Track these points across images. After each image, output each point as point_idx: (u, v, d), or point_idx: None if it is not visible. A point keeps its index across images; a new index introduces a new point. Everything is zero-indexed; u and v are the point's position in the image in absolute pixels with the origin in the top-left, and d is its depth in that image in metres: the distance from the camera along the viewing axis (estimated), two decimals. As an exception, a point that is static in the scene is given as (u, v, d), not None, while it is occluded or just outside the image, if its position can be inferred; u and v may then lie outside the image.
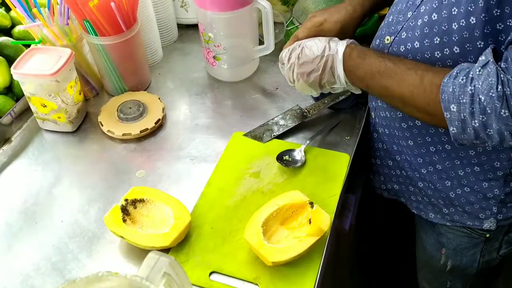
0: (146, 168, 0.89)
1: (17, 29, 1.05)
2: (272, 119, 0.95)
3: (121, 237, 0.73)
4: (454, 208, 0.85)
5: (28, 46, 0.96)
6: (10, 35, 1.05)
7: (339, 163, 0.85)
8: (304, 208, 0.76)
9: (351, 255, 0.98)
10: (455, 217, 0.86)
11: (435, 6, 0.69)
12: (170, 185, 0.85)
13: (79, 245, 0.77)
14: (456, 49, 0.68)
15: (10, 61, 0.95)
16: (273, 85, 1.04)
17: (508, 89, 0.59)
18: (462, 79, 0.63)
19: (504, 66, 0.61)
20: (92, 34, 0.92)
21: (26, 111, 0.99)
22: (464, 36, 0.66)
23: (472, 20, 0.64)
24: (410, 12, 0.75)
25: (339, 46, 0.77)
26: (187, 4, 1.17)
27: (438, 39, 0.69)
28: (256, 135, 0.92)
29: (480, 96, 0.61)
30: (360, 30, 1.04)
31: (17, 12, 0.91)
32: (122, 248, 0.76)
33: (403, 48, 0.75)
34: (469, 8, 0.63)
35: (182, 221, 0.74)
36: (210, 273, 0.72)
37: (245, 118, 0.97)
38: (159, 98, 0.99)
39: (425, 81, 0.68)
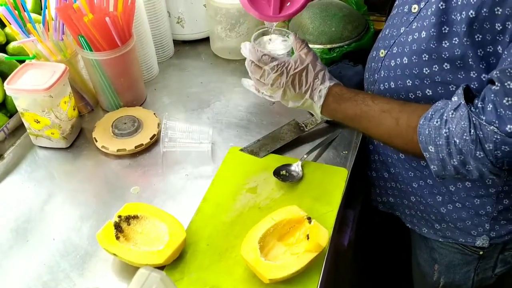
0: (141, 184, 0.87)
1: (11, 45, 1.04)
2: (269, 133, 0.94)
3: (114, 254, 0.71)
4: (446, 223, 0.84)
5: (22, 62, 0.95)
6: (5, 52, 1.05)
7: (337, 178, 0.84)
8: (301, 224, 0.74)
9: (351, 272, 0.96)
10: (447, 233, 0.85)
11: (425, 24, 0.69)
12: (165, 201, 0.83)
13: (71, 263, 0.75)
14: (446, 66, 0.68)
15: (4, 77, 0.94)
16: (270, 100, 1.03)
17: (480, 132, 0.60)
18: (437, 122, 0.65)
19: (480, 106, 0.61)
20: (87, 50, 0.91)
21: (20, 128, 0.98)
22: (456, 53, 0.66)
23: (466, 41, 0.64)
24: (403, 28, 0.75)
25: (322, 91, 0.78)
26: (183, 20, 1.17)
27: (427, 56, 0.70)
28: (253, 150, 0.91)
29: (455, 139, 0.63)
30: (356, 45, 1.05)
31: (12, 28, 0.91)
32: (115, 266, 0.74)
33: (393, 63, 0.76)
34: (463, 28, 0.63)
35: (177, 238, 0.72)
36: (206, 291, 0.70)
37: (241, 133, 0.96)
38: (154, 114, 0.98)
39: (400, 124, 0.70)
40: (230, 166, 0.88)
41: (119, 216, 0.75)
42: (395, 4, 0.80)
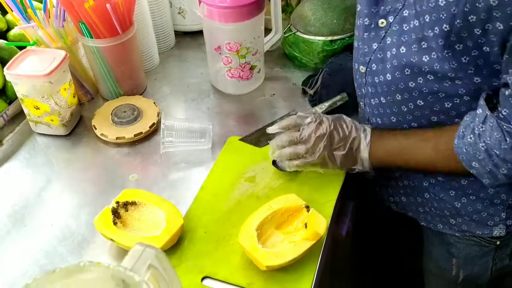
0: (139, 172, 0.87)
1: (12, 32, 1.04)
2: (269, 123, 0.93)
3: (111, 240, 0.71)
4: (461, 218, 0.82)
5: (22, 48, 0.95)
6: (6, 39, 1.05)
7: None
8: (300, 212, 0.74)
9: (349, 263, 0.96)
10: (463, 227, 0.83)
11: (404, 40, 0.69)
12: (163, 189, 0.83)
13: (68, 248, 0.75)
14: (430, 77, 0.68)
15: (4, 63, 0.94)
16: (270, 91, 1.03)
17: None
18: (470, 138, 0.66)
19: (505, 112, 0.62)
20: (88, 36, 0.91)
21: (19, 115, 0.98)
22: (435, 67, 0.66)
23: (447, 53, 0.64)
24: (375, 44, 0.74)
25: (366, 127, 0.77)
26: (184, 11, 1.17)
27: (409, 71, 0.70)
28: (252, 140, 0.90)
29: (495, 151, 0.64)
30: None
31: (13, 14, 0.91)
32: (113, 252, 0.74)
33: (377, 79, 0.75)
34: (440, 42, 0.63)
35: (174, 224, 0.72)
36: (203, 278, 0.69)
37: (241, 123, 0.96)
38: (154, 103, 0.98)
39: (440, 149, 0.71)
40: (229, 155, 0.88)
41: (117, 202, 0.75)
42: (357, 11, 0.77)
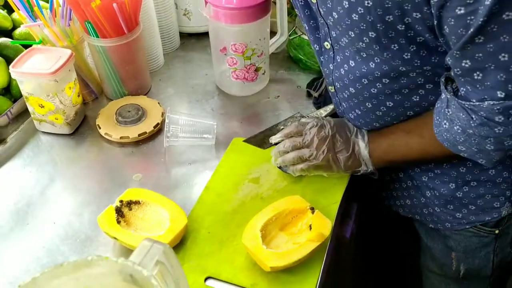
0: (143, 171, 0.87)
1: (18, 31, 1.04)
2: (273, 125, 0.93)
3: (115, 238, 0.71)
4: (466, 208, 0.82)
5: (27, 47, 0.95)
6: (11, 37, 1.05)
7: (340, 171, 0.83)
8: (304, 214, 0.73)
9: (352, 265, 0.95)
10: (471, 218, 0.82)
11: (346, 55, 0.72)
12: (167, 189, 0.83)
13: (71, 247, 0.74)
14: (385, 80, 0.70)
15: (9, 61, 0.94)
16: (274, 93, 1.03)
17: (482, 112, 0.60)
18: (445, 124, 0.66)
19: (462, 91, 0.62)
20: (93, 36, 0.91)
21: (24, 113, 0.97)
22: (384, 69, 0.68)
23: (387, 55, 0.65)
24: (331, 64, 0.77)
25: (363, 132, 0.78)
26: (190, 13, 1.17)
27: (366, 80, 0.72)
28: (257, 141, 0.90)
29: (469, 130, 0.63)
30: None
31: (20, 13, 0.91)
32: (116, 251, 0.74)
33: (346, 95, 0.78)
34: (375, 48, 0.65)
35: (178, 224, 0.72)
36: (206, 279, 0.69)
37: (245, 125, 0.96)
38: (158, 103, 0.98)
39: (426, 138, 0.71)
40: (233, 157, 0.88)
41: (121, 201, 0.74)
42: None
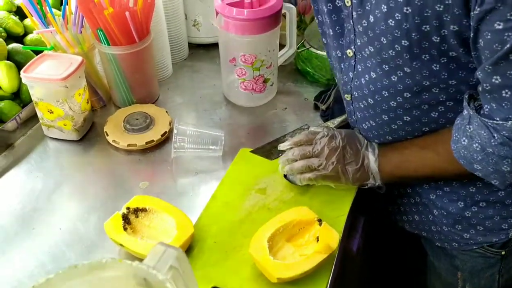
0: (150, 179, 0.87)
1: (29, 37, 1.05)
2: (280, 137, 0.93)
3: (121, 245, 0.71)
4: (474, 228, 0.81)
5: (38, 53, 0.95)
6: (22, 43, 1.06)
7: (347, 183, 0.83)
8: (311, 225, 0.73)
9: (359, 278, 0.94)
10: (478, 239, 0.82)
11: (369, 65, 0.71)
12: (173, 197, 0.83)
13: (77, 253, 0.74)
14: (406, 95, 0.69)
15: (20, 67, 0.95)
16: (282, 105, 1.04)
17: (504, 132, 0.60)
18: (464, 141, 0.65)
19: (486, 108, 0.61)
20: (105, 43, 0.92)
21: (32, 118, 0.98)
22: (408, 83, 0.67)
23: (416, 64, 0.65)
24: (351, 73, 0.76)
25: (374, 145, 0.78)
26: (199, 24, 1.18)
27: (386, 93, 0.71)
28: (264, 152, 0.90)
29: (488, 149, 0.62)
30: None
31: (33, 19, 0.92)
32: (121, 258, 0.73)
33: (362, 105, 0.77)
34: (405, 56, 0.64)
35: (184, 233, 0.71)
36: (211, 288, 0.68)
37: (252, 136, 0.96)
38: (166, 112, 0.98)
39: (441, 155, 0.70)
40: (240, 167, 0.88)
41: (128, 208, 0.74)
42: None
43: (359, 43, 0.71)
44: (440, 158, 0.71)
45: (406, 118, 0.73)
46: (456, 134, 0.67)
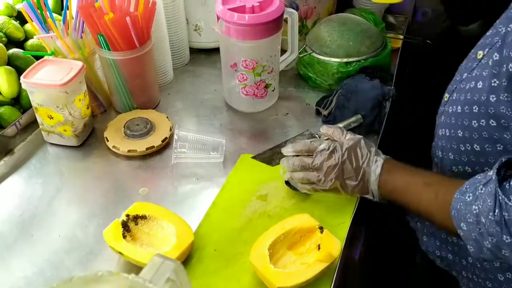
0: (150, 186, 0.86)
1: (30, 42, 1.05)
2: (282, 143, 0.93)
3: (120, 253, 0.70)
4: None
5: (39, 58, 0.95)
6: (23, 49, 1.05)
7: (349, 190, 0.82)
8: (313, 233, 0.72)
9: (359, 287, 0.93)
10: None
11: (484, 74, 0.64)
12: (173, 204, 0.82)
13: (75, 261, 0.73)
14: (492, 122, 0.63)
15: (20, 72, 0.94)
16: (283, 110, 1.03)
17: (506, 214, 0.55)
18: (469, 196, 0.60)
19: (508, 187, 0.56)
20: (105, 49, 0.91)
21: (32, 124, 0.97)
22: (502, 110, 0.62)
23: (507, 97, 0.60)
24: (466, 74, 0.70)
25: (378, 162, 0.73)
26: (200, 28, 1.17)
27: (477, 108, 0.65)
28: (265, 158, 0.90)
29: (482, 219, 0.57)
30: (373, 60, 1.04)
31: (33, 24, 0.91)
32: (120, 266, 0.72)
33: (451, 110, 0.71)
34: (503, 82, 0.60)
35: (184, 240, 0.71)
36: (211, 297, 0.68)
37: (253, 141, 0.95)
38: (167, 117, 0.97)
39: (439, 198, 0.65)
40: (240, 173, 0.87)
41: (127, 215, 0.73)
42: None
43: (497, 45, 0.64)
44: (436, 202, 0.66)
45: (476, 147, 0.67)
46: (467, 186, 0.61)
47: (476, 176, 0.62)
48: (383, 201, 0.74)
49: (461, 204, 0.60)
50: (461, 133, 0.69)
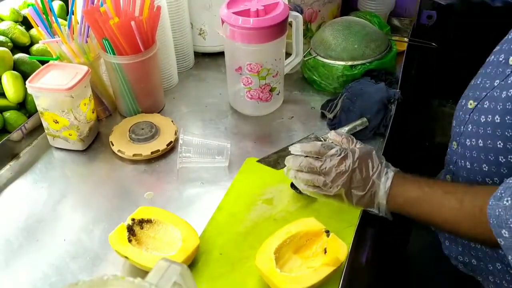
0: (155, 190, 0.86)
1: (35, 47, 1.05)
2: (287, 146, 0.92)
3: (125, 257, 0.69)
4: None
5: (44, 63, 0.95)
6: (28, 53, 1.06)
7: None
8: (319, 237, 0.72)
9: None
10: None
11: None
12: (179, 208, 0.82)
13: (81, 265, 0.73)
14: None
15: (26, 77, 0.95)
16: (288, 113, 1.03)
17: None
18: (507, 201, 0.57)
19: None
20: (110, 53, 0.92)
21: (38, 128, 0.97)
22: None
23: None
24: (498, 80, 0.67)
25: (389, 174, 0.70)
26: (205, 33, 1.18)
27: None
28: (270, 162, 0.89)
29: None
30: (378, 63, 1.04)
31: (38, 29, 0.92)
32: (126, 271, 0.72)
33: (484, 119, 0.68)
34: None
35: (190, 244, 0.70)
36: (217, 301, 0.67)
37: (258, 145, 0.95)
38: (172, 121, 0.97)
39: (465, 205, 0.63)
40: (246, 177, 0.87)
41: (133, 219, 0.73)
42: (494, 50, 0.73)
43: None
44: (462, 209, 0.63)
45: (501, 159, 0.66)
46: (502, 191, 0.59)
47: (508, 181, 0.59)
48: (388, 215, 0.71)
49: (500, 210, 0.57)
50: (501, 144, 0.65)
